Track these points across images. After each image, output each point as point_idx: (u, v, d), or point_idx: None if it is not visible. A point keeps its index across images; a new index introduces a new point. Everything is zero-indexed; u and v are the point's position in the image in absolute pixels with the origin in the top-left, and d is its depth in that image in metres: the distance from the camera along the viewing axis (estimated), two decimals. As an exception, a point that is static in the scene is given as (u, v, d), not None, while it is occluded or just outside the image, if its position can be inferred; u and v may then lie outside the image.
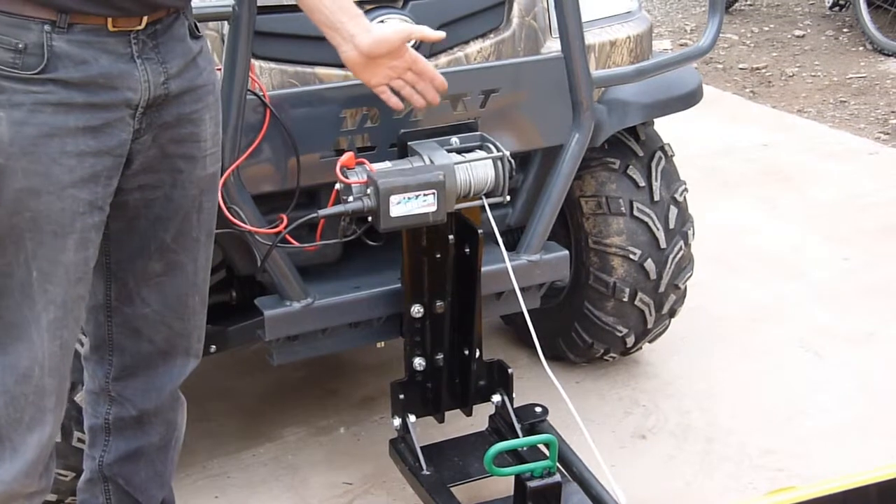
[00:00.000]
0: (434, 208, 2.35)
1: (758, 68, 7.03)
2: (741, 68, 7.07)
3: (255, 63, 2.45)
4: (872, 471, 1.95)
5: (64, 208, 1.86)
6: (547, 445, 2.42)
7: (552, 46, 2.80)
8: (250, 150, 2.42)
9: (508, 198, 2.52)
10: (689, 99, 3.12)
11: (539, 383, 3.06)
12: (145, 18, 1.87)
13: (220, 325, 2.77)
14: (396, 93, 2.40)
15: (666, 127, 3.28)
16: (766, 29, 7.92)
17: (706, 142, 5.46)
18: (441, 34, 2.44)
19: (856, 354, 3.59)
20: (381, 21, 2.51)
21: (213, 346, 2.75)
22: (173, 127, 1.99)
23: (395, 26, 2.34)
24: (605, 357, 3.39)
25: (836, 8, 8.03)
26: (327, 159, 2.50)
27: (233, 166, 2.38)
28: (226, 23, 2.36)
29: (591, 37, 2.84)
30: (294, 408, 3.33)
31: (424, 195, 2.34)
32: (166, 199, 2.06)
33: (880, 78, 6.73)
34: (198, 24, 2.05)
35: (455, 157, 2.46)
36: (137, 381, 2.25)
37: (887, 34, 7.19)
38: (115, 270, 2.13)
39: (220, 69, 2.37)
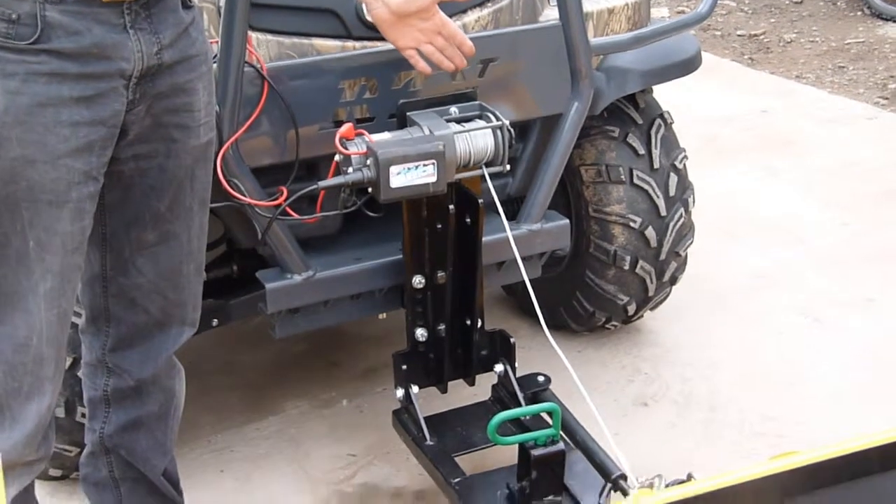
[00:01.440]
0: (434, 178, 2.35)
1: (756, 35, 7.01)
2: (739, 35, 7.05)
3: (252, 35, 2.44)
4: (873, 435, 1.95)
5: (59, 177, 1.86)
6: (550, 414, 2.42)
7: (550, 14, 2.79)
8: (249, 122, 2.41)
9: (508, 167, 2.51)
10: (688, 65, 3.11)
11: (541, 352, 3.07)
12: None
13: (222, 298, 2.77)
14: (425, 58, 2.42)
15: (664, 95, 3.27)
16: (764, -5, 7.89)
17: (705, 109, 5.45)
18: None
19: (856, 320, 3.60)
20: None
21: (215, 320, 2.76)
22: (167, 97, 1.99)
23: None
24: (607, 325, 3.39)
25: (834, -27, 8.00)
26: (326, 131, 2.50)
27: (231, 139, 2.37)
28: (222, -5, 2.35)
29: (589, 4, 2.83)
30: (296, 381, 3.33)
31: (424, 165, 2.33)
32: (160, 168, 2.07)
33: (879, 43, 6.71)
34: None
35: (454, 127, 2.45)
36: (134, 351, 2.26)
37: (885, -1, 7.17)
38: (110, 240, 2.14)
39: (216, 42, 2.36)
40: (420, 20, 2.36)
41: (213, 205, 2.33)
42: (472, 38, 2.52)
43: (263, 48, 2.49)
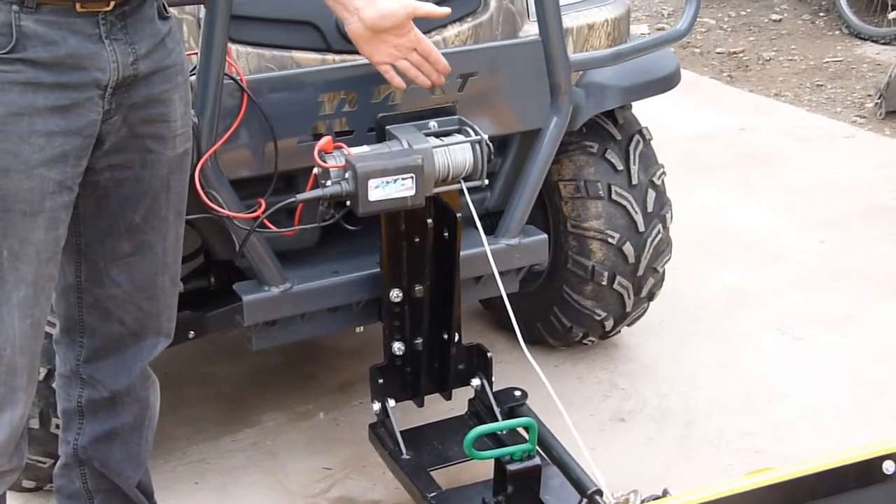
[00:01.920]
0: (412, 192, 2.35)
1: (735, 52, 7.05)
2: (718, 52, 7.09)
3: (232, 47, 2.44)
4: (849, 451, 1.96)
5: (33, 187, 1.85)
6: (526, 429, 2.42)
7: (530, 30, 2.79)
8: (227, 135, 2.40)
9: (487, 181, 2.52)
10: (667, 82, 3.12)
11: (518, 367, 3.06)
12: (112, 1, 1.86)
13: (199, 311, 2.76)
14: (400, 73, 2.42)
15: (644, 111, 3.29)
16: (743, 13, 7.93)
17: (684, 126, 5.48)
18: (447, 10, 2.44)
19: (833, 337, 3.61)
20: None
21: (192, 332, 2.75)
22: (143, 107, 1.99)
23: (401, 1, 2.34)
24: (584, 341, 3.40)
25: (813, -8, 8.07)
26: (305, 144, 2.49)
27: (210, 151, 2.36)
28: (202, 6, 2.34)
29: (569, 20, 2.84)
30: (273, 393, 3.32)
31: (403, 179, 2.33)
32: (136, 179, 2.06)
33: (856, 62, 6.76)
34: (166, 5, 2.04)
35: (433, 141, 2.45)
36: (108, 362, 2.25)
37: (863, 18, 7.23)
38: (85, 251, 2.13)
39: (196, 53, 2.36)
40: (395, 36, 2.36)
41: (191, 217, 2.33)
42: (451, 53, 2.52)
43: (243, 60, 2.49)
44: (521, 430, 2.56)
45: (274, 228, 2.47)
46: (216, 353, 3.50)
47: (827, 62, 6.78)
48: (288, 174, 2.55)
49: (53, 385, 2.42)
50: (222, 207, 2.42)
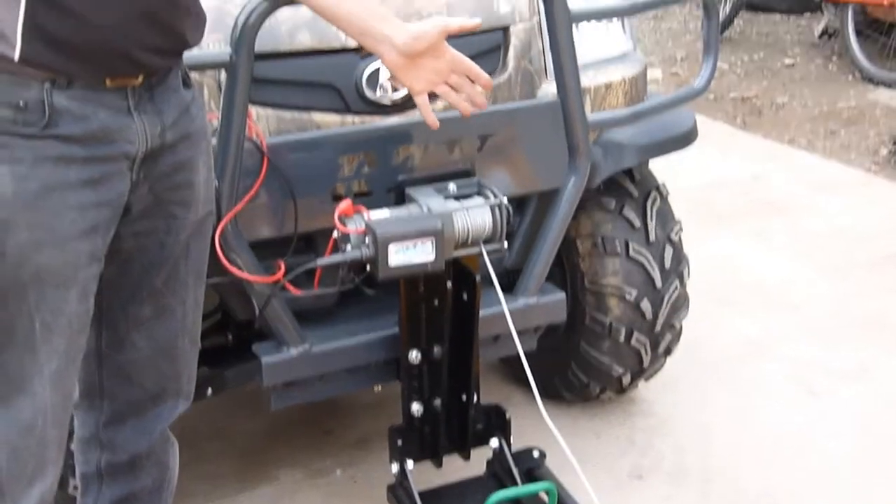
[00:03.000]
0: (432, 257, 2.35)
1: (748, 97, 7.06)
2: (732, 97, 7.10)
3: (252, 109, 2.45)
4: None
5: (66, 261, 1.86)
6: (546, 493, 2.42)
7: (548, 89, 2.80)
8: (248, 197, 2.41)
9: (506, 244, 2.52)
10: (685, 139, 3.13)
11: (535, 421, 3.02)
12: (142, 75, 1.88)
13: (217, 368, 2.76)
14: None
15: (657, 159, 3.27)
16: (756, 58, 7.95)
17: (697, 173, 5.47)
18: (478, 21, 2.38)
19: (850, 390, 3.60)
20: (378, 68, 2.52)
21: (210, 389, 2.75)
22: (169, 175, 2.00)
23: (431, 20, 2.28)
24: (601, 396, 3.39)
25: (825, 37, 8.08)
26: (325, 205, 2.50)
27: (230, 214, 2.37)
28: (223, 70, 2.36)
29: (587, 79, 2.84)
30: (290, 448, 3.31)
31: (422, 243, 2.34)
32: (160, 244, 2.06)
33: (870, 107, 6.76)
34: (189, 73, 2.05)
35: (452, 204, 2.45)
36: (127, 426, 2.24)
37: (875, 63, 7.23)
38: (107, 316, 2.13)
39: (216, 116, 2.37)
40: (432, 59, 2.26)
41: (212, 280, 2.33)
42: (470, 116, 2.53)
43: (263, 121, 2.50)
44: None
45: (295, 291, 2.47)
46: (233, 407, 3.50)
47: (840, 108, 6.78)
48: (307, 235, 2.56)
49: (72, 447, 2.41)
50: (242, 270, 2.42)
